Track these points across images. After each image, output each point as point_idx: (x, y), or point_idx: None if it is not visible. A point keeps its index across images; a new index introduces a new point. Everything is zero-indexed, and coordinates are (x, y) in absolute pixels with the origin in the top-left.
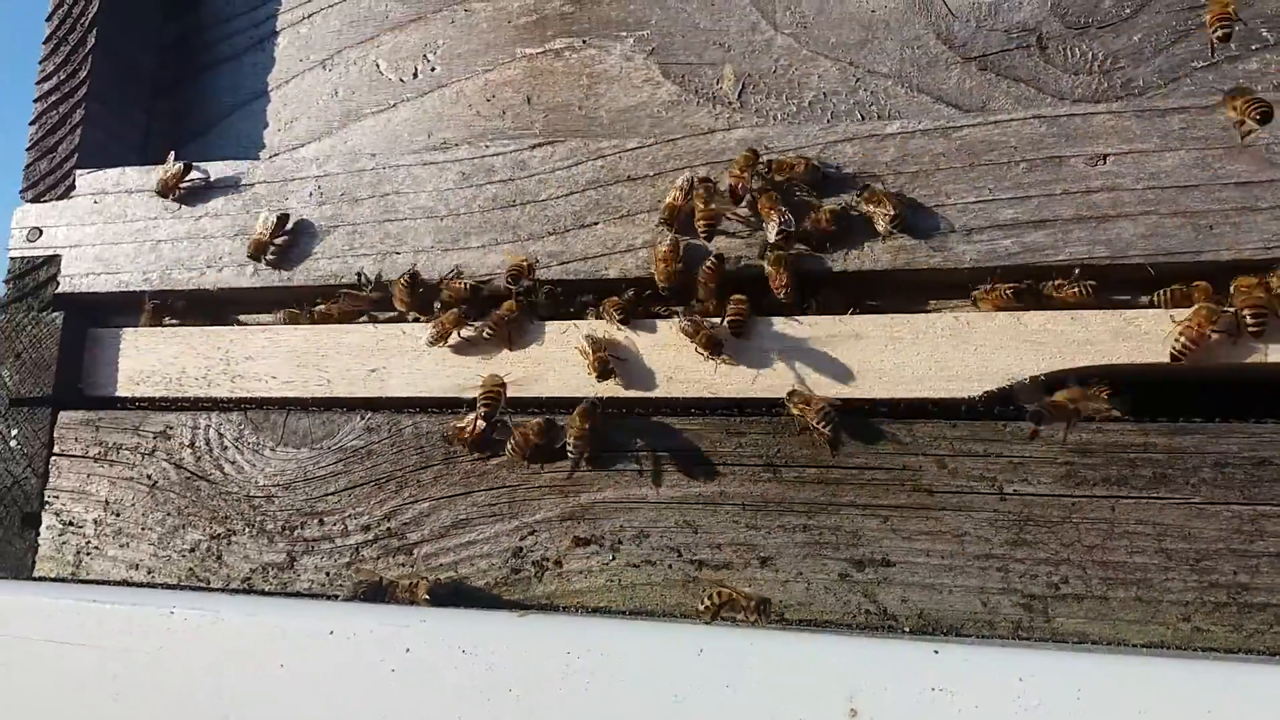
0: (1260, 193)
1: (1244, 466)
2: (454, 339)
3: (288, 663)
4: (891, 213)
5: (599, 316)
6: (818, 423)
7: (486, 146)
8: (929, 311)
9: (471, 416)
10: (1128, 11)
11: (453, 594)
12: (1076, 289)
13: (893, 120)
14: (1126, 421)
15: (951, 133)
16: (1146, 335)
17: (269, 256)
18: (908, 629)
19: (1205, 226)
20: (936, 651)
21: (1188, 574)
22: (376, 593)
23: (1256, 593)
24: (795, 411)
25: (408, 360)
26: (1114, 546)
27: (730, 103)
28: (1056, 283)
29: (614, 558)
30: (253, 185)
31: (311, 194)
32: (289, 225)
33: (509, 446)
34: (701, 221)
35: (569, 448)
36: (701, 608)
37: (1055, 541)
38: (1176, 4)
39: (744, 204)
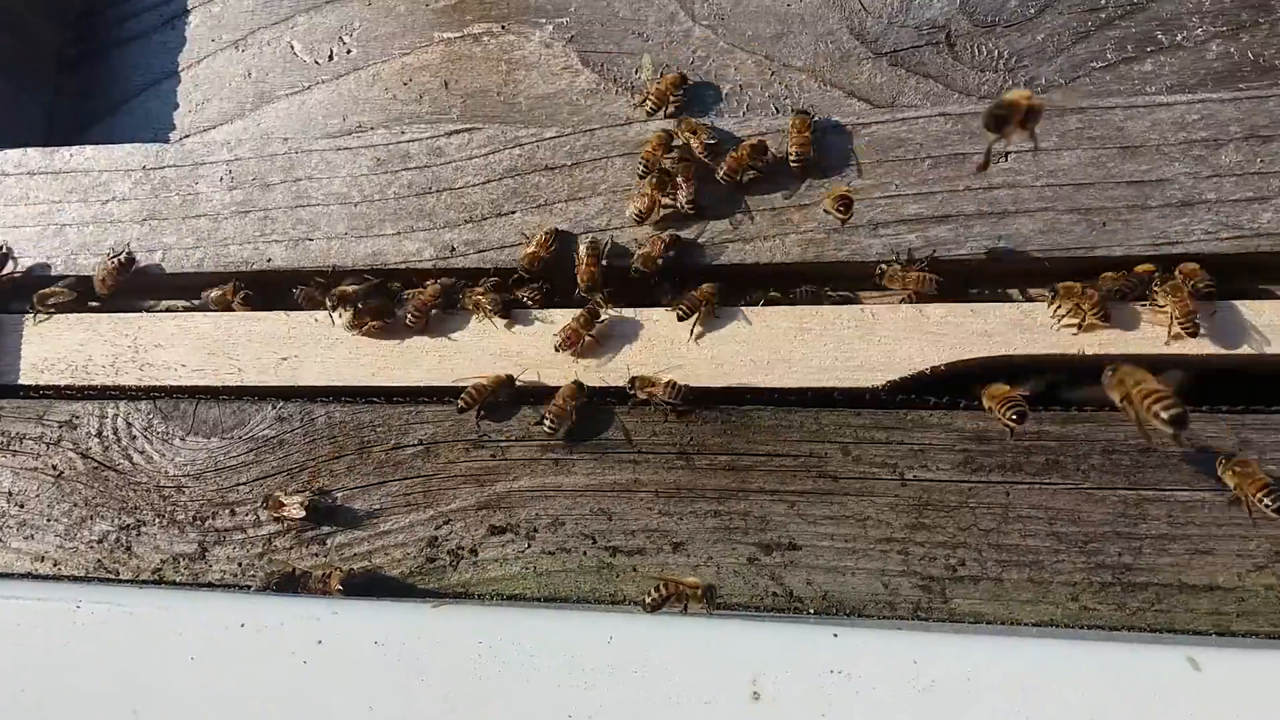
0: (1150, 191)
1: (1130, 453)
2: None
3: (198, 655)
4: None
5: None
6: (666, 397)
7: (402, 132)
8: (836, 304)
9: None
10: (1032, 11)
11: (367, 584)
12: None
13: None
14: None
15: (860, 129)
16: (1043, 327)
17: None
18: (812, 610)
19: (1099, 223)
20: (836, 635)
21: (1077, 556)
22: (289, 583)
23: (1139, 573)
24: (642, 396)
25: (321, 349)
26: (1008, 530)
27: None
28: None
29: (529, 546)
30: (162, 169)
31: (222, 178)
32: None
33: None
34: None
35: (546, 423)
36: (648, 600)
37: (953, 525)
38: (1078, 5)
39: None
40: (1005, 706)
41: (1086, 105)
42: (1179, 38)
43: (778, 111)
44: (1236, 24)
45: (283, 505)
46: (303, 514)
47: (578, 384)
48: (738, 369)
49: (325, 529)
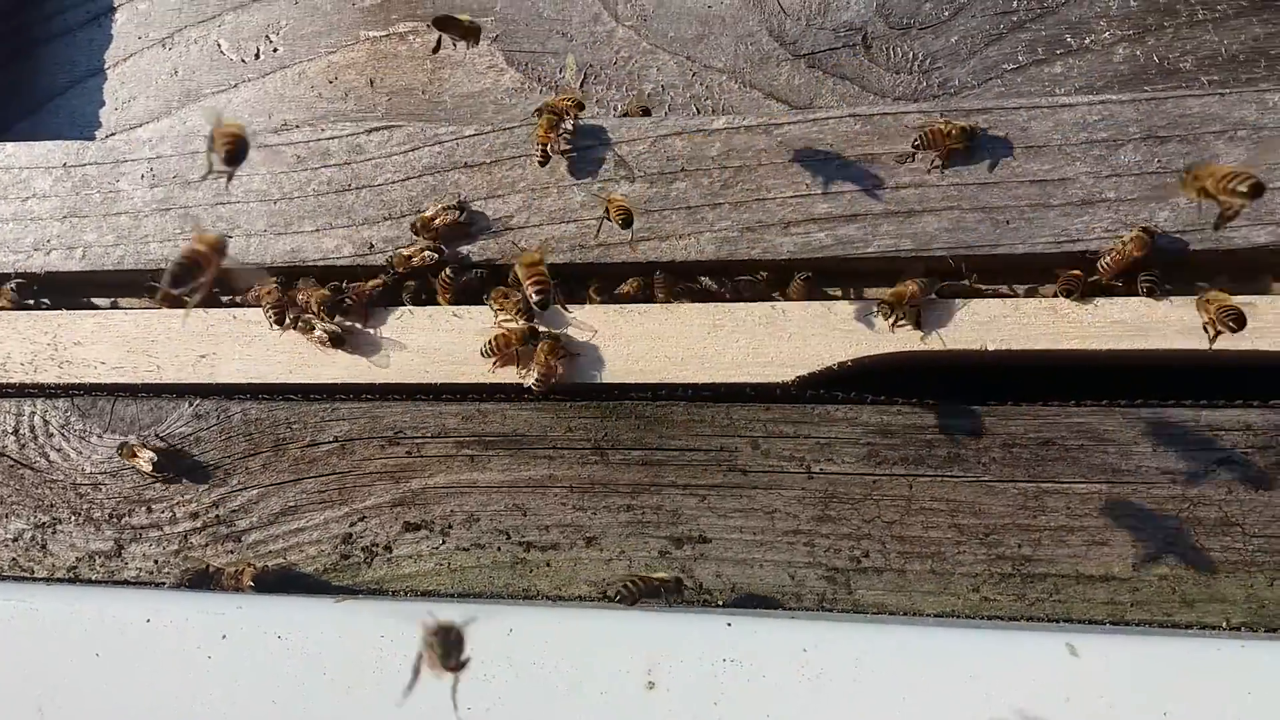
0: (1053, 190)
1: (1030, 446)
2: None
3: (104, 651)
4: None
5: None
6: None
7: (323, 129)
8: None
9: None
10: (946, 14)
11: (281, 581)
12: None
13: (719, 116)
14: (923, 404)
15: (774, 129)
16: (945, 324)
17: None
18: (721, 603)
19: (1003, 221)
20: (729, 624)
21: (977, 547)
22: (202, 580)
23: (1038, 564)
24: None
25: (239, 346)
26: (911, 522)
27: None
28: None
29: (444, 542)
30: (83, 166)
31: (144, 175)
32: None
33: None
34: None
35: (534, 383)
36: (616, 597)
37: (857, 518)
38: (991, 8)
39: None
40: (892, 693)
41: (992, 106)
42: (1087, 41)
43: (698, 112)
44: (1142, 28)
45: (135, 455)
46: (149, 469)
47: (554, 339)
48: (653, 365)
49: (240, 525)
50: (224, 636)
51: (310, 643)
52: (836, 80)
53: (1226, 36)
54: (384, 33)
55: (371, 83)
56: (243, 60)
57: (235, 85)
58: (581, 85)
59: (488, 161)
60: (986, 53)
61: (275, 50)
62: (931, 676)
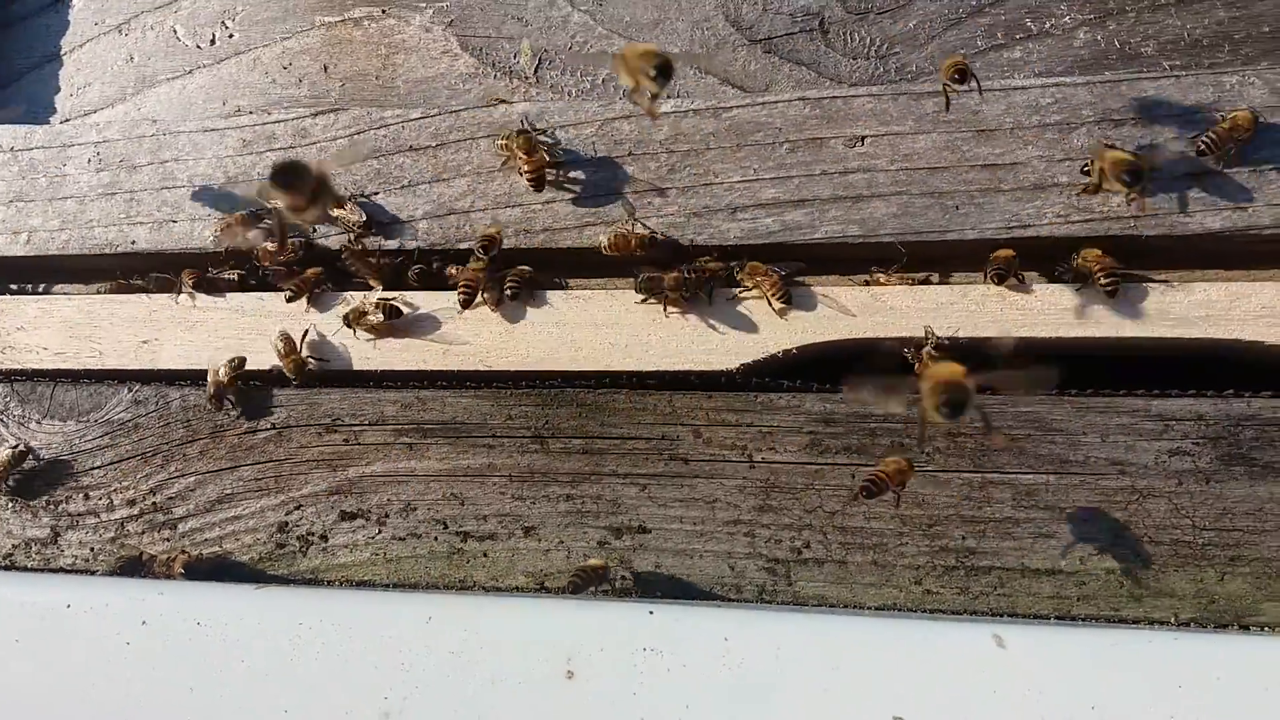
0: (1004, 175)
1: (974, 436)
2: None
3: (23, 638)
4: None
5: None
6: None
7: (269, 113)
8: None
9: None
10: None
11: (215, 569)
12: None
13: (668, 99)
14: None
15: (722, 113)
16: (893, 310)
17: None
18: (659, 594)
19: (952, 207)
20: (651, 612)
21: (920, 539)
22: (135, 568)
23: (982, 556)
24: None
25: (180, 331)
26: (853, 512)
27: (526, 77)
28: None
29: (380, 531)
30: (30, 150)
31: (90, 160)
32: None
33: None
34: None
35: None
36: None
37: (799, 508)
38: None
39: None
40: (813, 683)
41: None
42: (1048, 25)
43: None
44: (1104, 11)
45: None
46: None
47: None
48: (596, 352)
49: (177, 513)
50: (144, 623)
51: (229, 630)
52: (793, 66)
53: (1189, 20)
54: (339, 18)
55: (325, 68)
56: (198, 46)
57: (190, 71)
58: (536, 70)
59: (433, 145)
60: (945, 37)
61: (231, 36)
62: (853, 667)
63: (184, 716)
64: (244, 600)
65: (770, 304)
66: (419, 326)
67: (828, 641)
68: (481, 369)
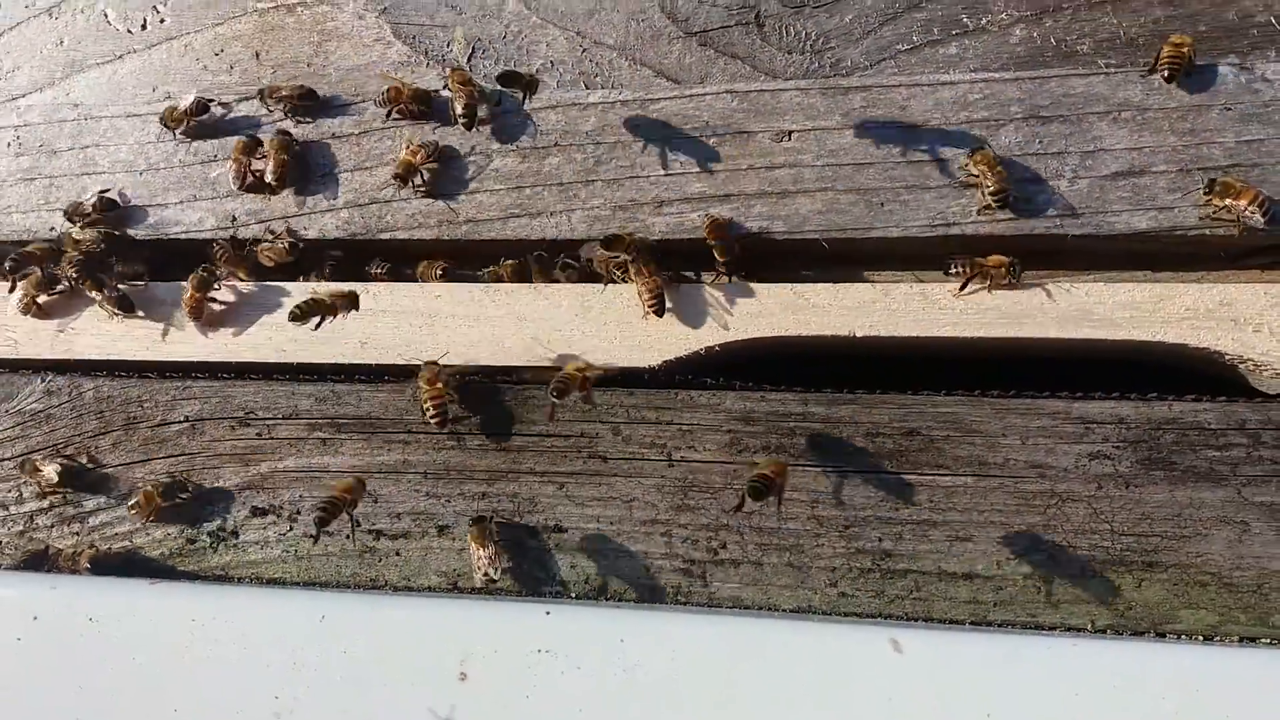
0: (930, 171)
1: (894, 436)
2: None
3: None
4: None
5: None
6: None
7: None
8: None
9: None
10: None
11: (125, 564)
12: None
13: (594, 90)
14: (788, 390)
15: (650, 105)
16: (815, 308)
17: None
18: (574, 595)
19: (878, 204)
20: (548, 613)
21: (836, 540)
22: (40, 562)
23: (899, 559)
24: None
25: (97, 321)
26: (770, 513)
27: (459, 66)
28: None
29: (291, 528)
30: None
31: (10, 144)
32: None
33: None
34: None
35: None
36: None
37: (716, 507)
38: None
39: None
40: (707, 686)
41: (870, 84)
42: (984, 21)
43: (586, 89)
44: (1040, 8)
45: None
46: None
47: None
48: (518, 348)
49: (88, 506)
50: (35, 618)
51: (121, 625)
52: (728, 59)
53: (1126, 19)
54: (272, 4)
55: (257, 55)
56: (129, 31)
57: (120, 56)
58: (469, 60)
59: (356, 133)
60: (881, 32)
61: (162, 21)
62: (748, 670)
63: (72, 714)
64: (138, 596)
65: (643, 307)
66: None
67: (723, 644)
68: (400, 363)
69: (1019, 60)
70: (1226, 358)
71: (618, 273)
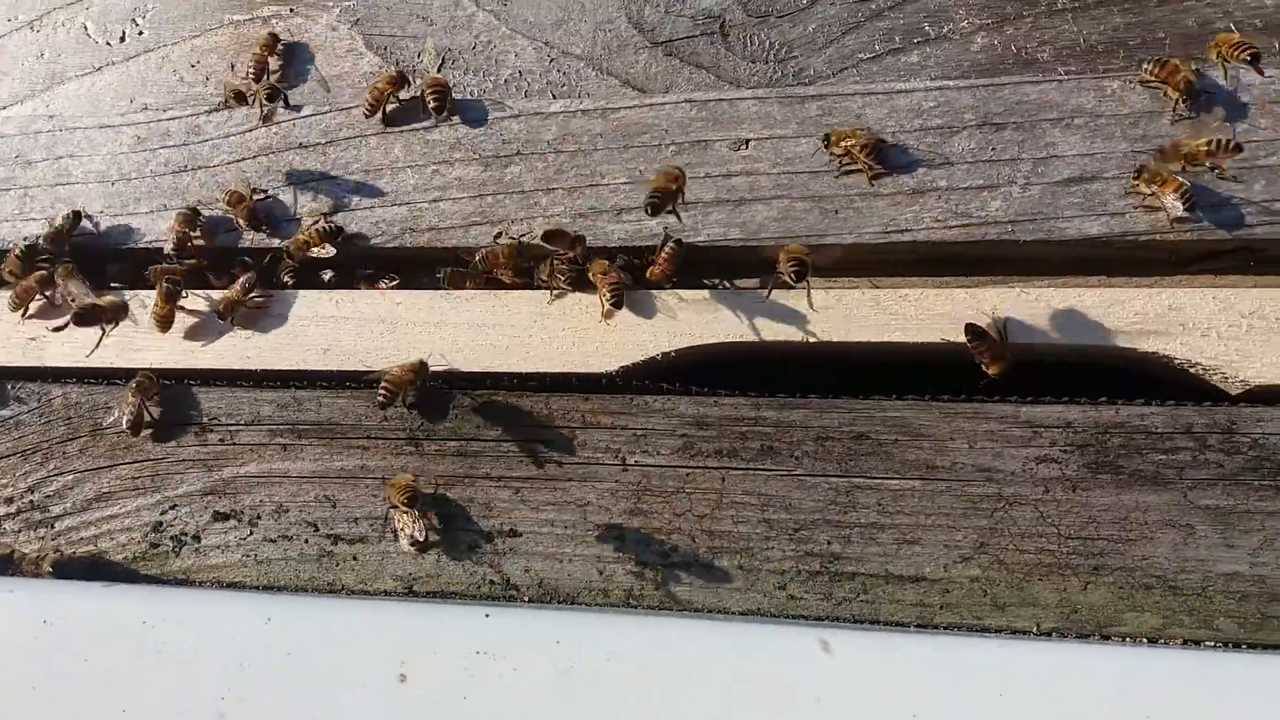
0: (883, 179)
1: (843, 440)
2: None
3: None
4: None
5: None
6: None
7: (165, 111)
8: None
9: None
10: (805, 2)
11: (90, 568)
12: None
13: (557, 99)
14: (741, 395)
15: (610, 114)
16: (773, 314)
17: None
18: (528, 599)
19: (831, 211)
20: (487, 615)
21: (786, 543)
22: (4, 566)
23: (847, 562)
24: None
25: (67, 330)
26: (721, 516)
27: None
28: None
29: (251, 533)
30: None
31: None
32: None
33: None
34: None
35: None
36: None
37: (669, 511)
38: None
39: None
40: (640, 686)
41: (826, 93)
42: (945, 29)
43: (554, 98)
44: (1001, 16)
45: None
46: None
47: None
48: (477, 354)
49: (54, 511)
50: None
51: (74, 627)
52: (693, 69)
53: (1086, 26)
54: (248, 16)
55: (233, 66)
56: (108, 43)
57: (99, 68)
58: (440, 69)
59: (322, 142)
60: (844, 42)
61: (141, 33)
62: (680, 671)
63: (25, 715)
64: (92, 599)
65: (601, 302)
66: (295, 327)
67: (657, 645)
68: (361, 369)
69: (980, 68)
70: (1176, 362)
71: (561, 279)
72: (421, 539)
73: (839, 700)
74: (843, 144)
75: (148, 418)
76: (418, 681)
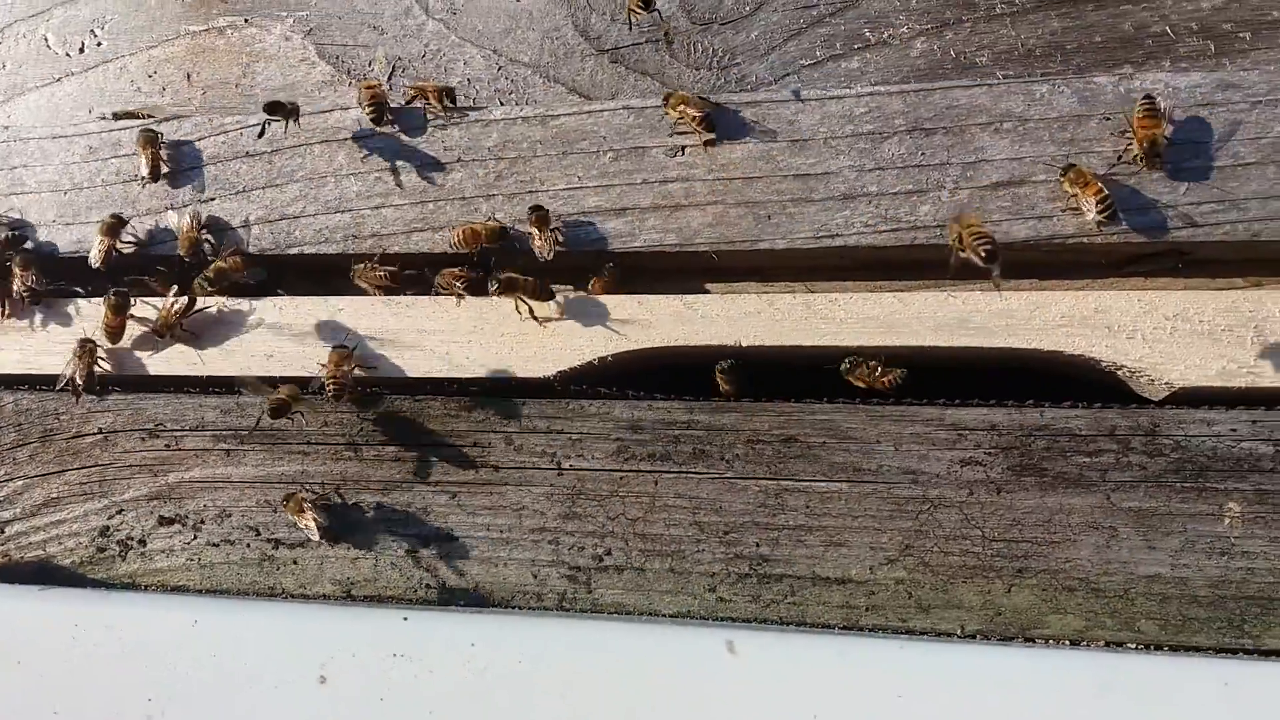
0: (815, 184)
1: (773, 443)
2: None
3: None
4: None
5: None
6: None
7: (115, 119)
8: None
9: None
10: (748, 9)
11: (38, 573)
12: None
13: (497, 107)
14: (675, 399)
15: (550, 121)
16: (704, 319)
17: None
18: (461, 602)
19: (764, 216)
20: (405, 619)
21: (716, 546)
22: None
23: (775, 564)
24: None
25: (20, 336)
26: (654, 519)
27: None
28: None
29: (195, 537)
30: None
31: None
32: None
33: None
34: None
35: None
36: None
37: (603, 515)
38: (792, 3)
39: None
40: (551, 687)
41: (761, 99)
42: (885, 35)
43: (501, 104)
44: (940, 22)
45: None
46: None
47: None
48: (417, 359)
49: (5, 516)
50: None
51: (9, 631)
52: (638, 76)
53: (1024, 31)
54: (203, 27)
55: (189, 76)
56: (67, 54)
57: (59, 79)
58: (390, 78)
59: (268, 150)
60: (786, 48)
61: (99, 44)
62: (590, 671)
63: None
64: (26, 602)
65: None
66: (240, 335)
67: (568, 647)
68: (305, 374)
69: (919, 73)
70: (1102, 364)
71: (459, 285)
72: (325, 524)
73: (742, 700)
74: (679, 108)
75: (99, 371)
76: (337, 683)
